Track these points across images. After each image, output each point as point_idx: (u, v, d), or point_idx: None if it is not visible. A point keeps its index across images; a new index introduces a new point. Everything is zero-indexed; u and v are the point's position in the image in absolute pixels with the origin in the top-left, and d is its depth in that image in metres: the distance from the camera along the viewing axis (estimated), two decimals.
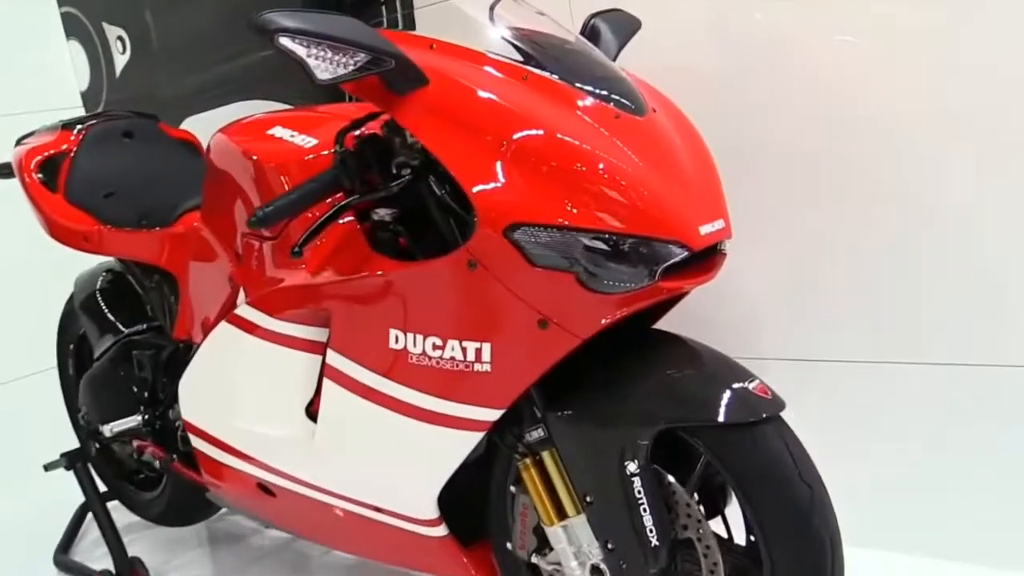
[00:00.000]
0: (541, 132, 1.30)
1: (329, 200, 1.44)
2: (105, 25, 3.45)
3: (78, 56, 3.60)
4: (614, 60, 1.59)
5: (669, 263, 1.27)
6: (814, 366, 2.01)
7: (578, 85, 1.38)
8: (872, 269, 1.91)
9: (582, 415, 1.39)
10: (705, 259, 1.35)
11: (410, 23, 2.55)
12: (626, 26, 1.70)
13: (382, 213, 1.46)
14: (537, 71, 1.40)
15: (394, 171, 1.44)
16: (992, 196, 1.76)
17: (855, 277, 1.94)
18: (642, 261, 1.26)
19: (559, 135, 1.30)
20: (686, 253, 1.28)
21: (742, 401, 1.30)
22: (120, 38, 3.40)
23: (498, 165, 1.30)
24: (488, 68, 1.40)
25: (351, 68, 1.30)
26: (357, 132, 1.51)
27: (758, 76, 1.98)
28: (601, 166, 1.28)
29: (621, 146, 1.31)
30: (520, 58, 1.43)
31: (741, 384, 1.32)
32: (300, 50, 1.27)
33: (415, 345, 1.41)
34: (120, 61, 3.43)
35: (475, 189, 1.29)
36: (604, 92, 1.38)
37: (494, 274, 1.31)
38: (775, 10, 1.93)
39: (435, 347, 1.39)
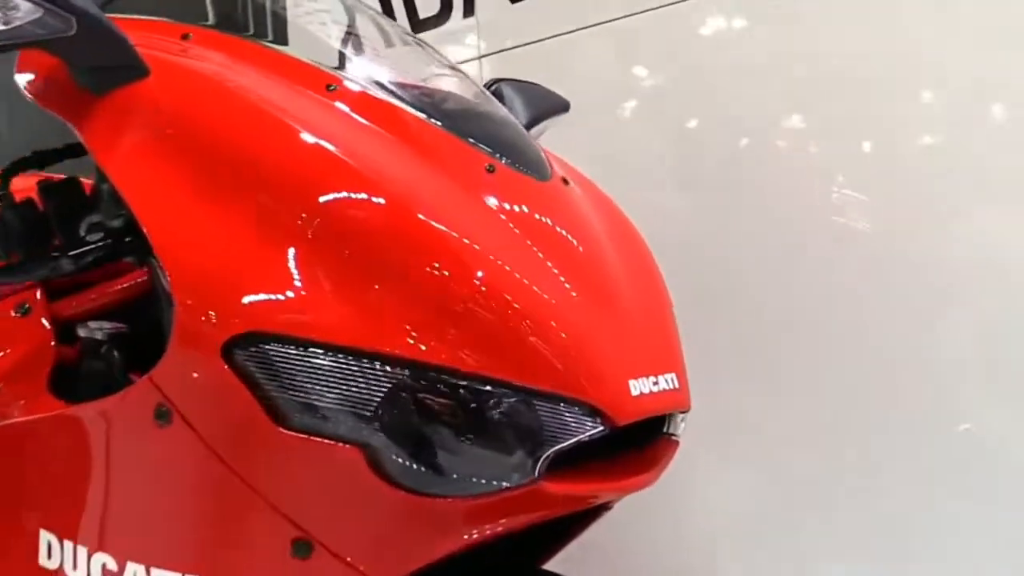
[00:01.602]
0: (321, 164, 0.80)
1: None
2: None
3: None
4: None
5: (563, 446, 0.76)
6: None
7: (432, 120, 0.90)
8: None
9: None
10: (637, 445, 0.86)
11: None
12: (544, 103, 1.26)
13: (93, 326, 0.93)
14: (352, 84, 0.91)
15: (83, 235, 0.91)
16: None
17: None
18: (509, 437, 0.75)
19: (351, 172, 0.79)
20: (600, 429, 0.77)
21: None
22: None
23: (236, 221, 0.76)
24: (258, 63, 0.89)
25: (11, 22, 0.75)
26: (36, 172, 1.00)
27: None
28: (428, 241, 0.77)
29: (483, 212, 0.83)
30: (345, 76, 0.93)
31: None
32: None
33: (74, 565, 0.84)
34: None
35: (175, 258, 0.76)
36: (475, 138, 0.90)
37: (202, 434, 0.76)
38: None
39: (105, 572, 0.82)
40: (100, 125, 0.84)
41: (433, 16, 1.80)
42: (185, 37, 0.92)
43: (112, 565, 0.82)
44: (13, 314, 0.97)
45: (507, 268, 0.78)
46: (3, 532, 0.92)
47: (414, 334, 0.74)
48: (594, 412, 0.77)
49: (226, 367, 0.73)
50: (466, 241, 0.78)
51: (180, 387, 0.76)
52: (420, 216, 0.78)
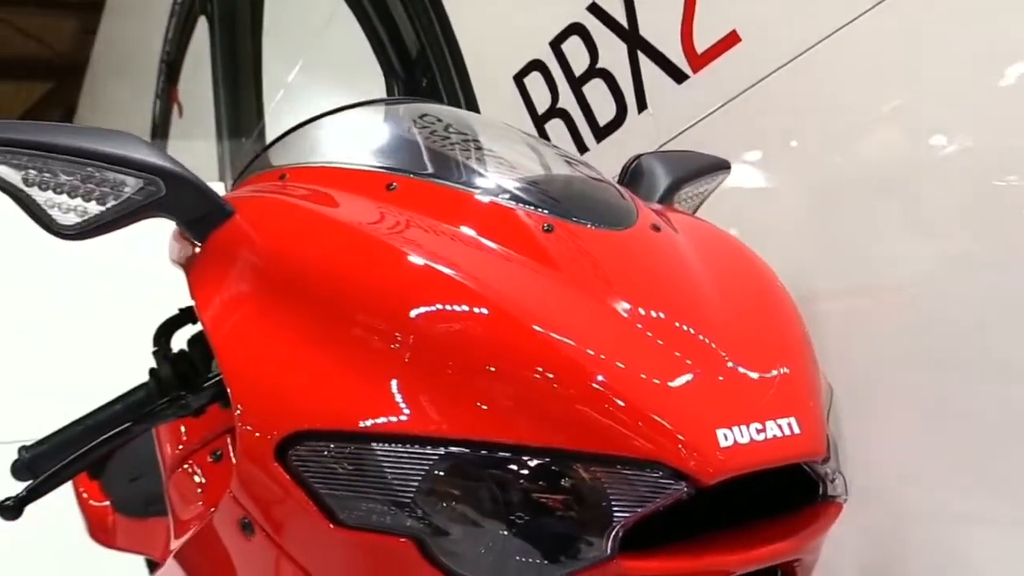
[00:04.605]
0: (364, 254, 0.80)
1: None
2: None
3: None
4: (659, 202, 1.09)
5: (641, 514, 0.68)
6: None
7: (484, 193, 0.88)
8: None
9: None
10: (779, 513, 0.76)
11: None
12: (691, 164, 1.19)
13: None
14: (414, 176, 0.92)
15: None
16: None
17: None
18: (569, 512, 0.67)
19: (392, 254, 0.79)
20: (684, 491, 0.68)
21: None
22: None
23: (287, 329, 0.78)
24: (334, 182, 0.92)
25: (107, 201, 0.81)
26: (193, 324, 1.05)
27: None
28: (465, 307, 0.74)
29: (534, 272, 0.79)
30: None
31: None
32: (13, 176, 0.79)
33: None
34: None
35: (233, 370, 0.78)
36: (537, 200, 0.87)
37: (279, 543, 0.76)
38: None
39: None
40: (197, 267, 0.91)
41: (612, 120, 1.80)
42: (283, 177, 0.99)
43: None
44: (209, 460, 1.05)
45: (533, 313, 0.73)
46: None
47: (449, 411, 0.70)
48: (676, 474, 0.67)
49: (281, 470, 0.73)
50: (498, 300, 0.74)
51: (252, 497, 0.77)
52: (459, 281, 0.76)
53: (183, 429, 1.06)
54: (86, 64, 7.79)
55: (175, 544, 0.98)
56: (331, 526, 0.71)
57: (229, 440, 1.05)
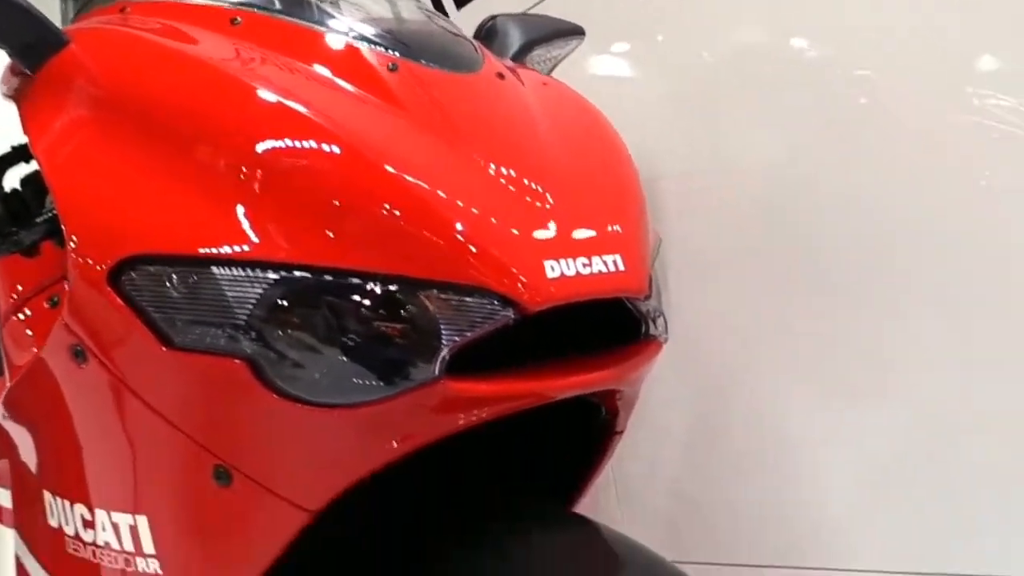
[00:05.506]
0: (206, 86, 0.78)
1: None
2: None
3: None
4: (511, 60, 1.09)
5: (469, 339, 0.70)
6: None
7: (330, 32, 0.87)
8: None
9: None
10: (615, 344, 0.80)
11: None
12: (546, 29, 1.19)
13: None
14: (258, 11, 0.89)
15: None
16: None
17: None
18: (400, 334, 0.70)
19: (233, 84, 0.78)
20: (511, 317, 0.70)
21: None
22: None
23: (117, 154, 0.77)
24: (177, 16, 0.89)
25: None
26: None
27: None
28: (296, 134, 0.74)
29: (377, 109, 0.79)
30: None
31: None
32: None
33: (67, 520, 0.85)
34: None
35: (64, 193, 0.77)
36: (384, 41, 0.87)
37: (112, 369, 0.76)
38: None
39: (85, 524, 0.83)
40: (29, 99, 0.87)
41: None
42: (123, 11, 0.95)
43: (86, 514, 0.84)
44: (45, 305, 1.03)
45: (380, 156, 0.73)
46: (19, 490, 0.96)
47: (288, 239, 0.71)
48: (505, 301, 0.70)
49: (114, 294, 0.73)
50: (337, 131, 0.74)
51: (84, 323, 0.77)
52: (292, 108, 0.75)
53: (18, 285, 1.03)
54: None
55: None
56: (164, 349, 0.71)
57: (66, 284, 1.03)
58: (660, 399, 1.39)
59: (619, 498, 1.55)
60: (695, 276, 1.42)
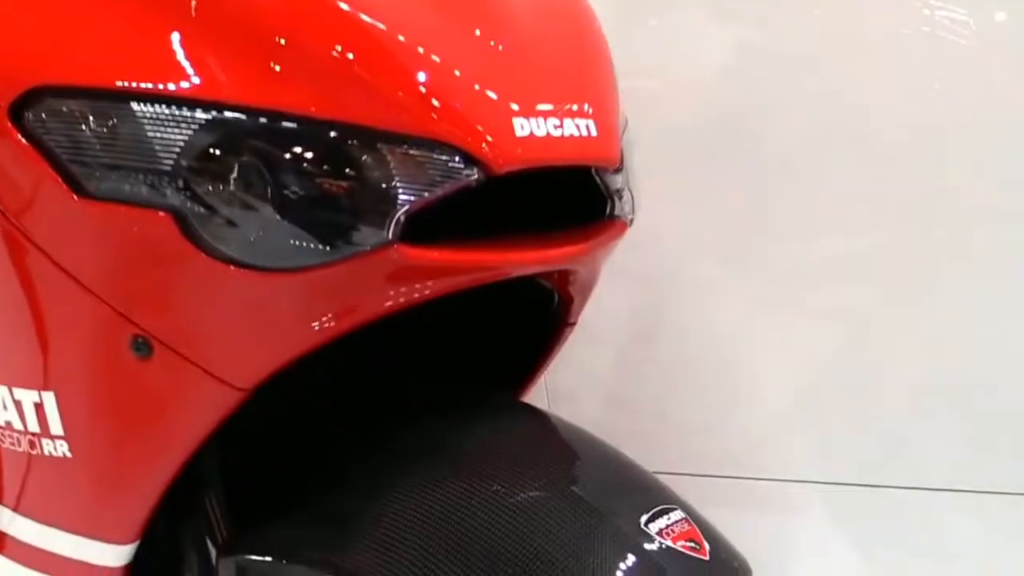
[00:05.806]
0: None
1: None
2: None
3: None
4: None
5: (428, 199, 0.62)
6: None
7: None
8: None
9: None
10: (583, 221, 0.75)
11: None
12: None
13: None
14: None
15: None
16: None
17: None
18: (350, 191, 0.61)
19: None
20: (474, 177, 0.63)
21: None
22: None
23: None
24: None
25: None
26: None
27: None
28: None
29: None
30: None
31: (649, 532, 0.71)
32: None
33: None
34: None
35: None
36: None
37: (12, 219, 0.66)
38: None
39: None
40: None
41: None
42: None
43: None
44: None
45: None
46: None
47: (226, 75, 0.61)
48: (469, 159, 0.62)
49: (17, 133, 0.62)
50: None
51: None
52: None
53: None
54: None
55: None
56: (75, 198, 0.62)
57: None
58: (595, 308, 1.36)
59: (551, 406, 1.51)
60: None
